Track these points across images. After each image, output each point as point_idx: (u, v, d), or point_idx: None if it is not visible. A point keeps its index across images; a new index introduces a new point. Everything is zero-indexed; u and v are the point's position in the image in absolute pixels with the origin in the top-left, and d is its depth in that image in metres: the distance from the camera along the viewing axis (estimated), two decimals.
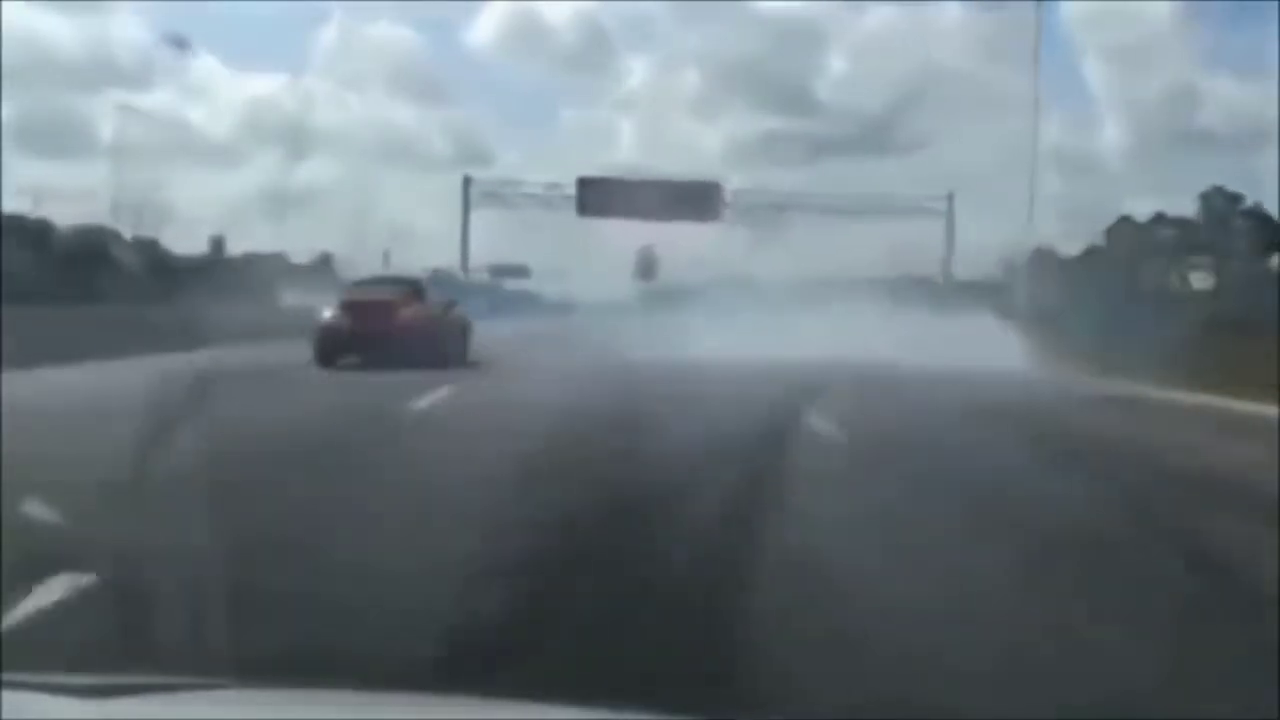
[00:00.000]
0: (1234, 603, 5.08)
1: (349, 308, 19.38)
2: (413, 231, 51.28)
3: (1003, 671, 3.98)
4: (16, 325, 16.54)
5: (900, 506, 7.16)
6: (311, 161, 66.55)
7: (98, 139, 59.41)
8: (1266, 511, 7.00)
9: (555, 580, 5.05)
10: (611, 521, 6.24)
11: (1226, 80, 72.50)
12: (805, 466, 8.33)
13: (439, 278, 40.78)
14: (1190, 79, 64.88)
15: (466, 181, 46.15)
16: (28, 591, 4.45)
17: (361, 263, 42.40)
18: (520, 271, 47.21)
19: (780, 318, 26.80)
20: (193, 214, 51.97)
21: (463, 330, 20.90)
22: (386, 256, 44.94)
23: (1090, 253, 45.67)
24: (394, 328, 18.70)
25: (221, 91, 58.21)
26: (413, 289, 20.61)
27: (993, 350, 21.95)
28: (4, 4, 44.97)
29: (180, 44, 61.37)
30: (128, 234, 41.95)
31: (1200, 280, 42.25)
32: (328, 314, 19.44)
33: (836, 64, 66.43)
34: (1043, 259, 40.43)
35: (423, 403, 12.87)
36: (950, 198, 45.04)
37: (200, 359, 17.77)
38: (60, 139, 53.91)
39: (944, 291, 39.24)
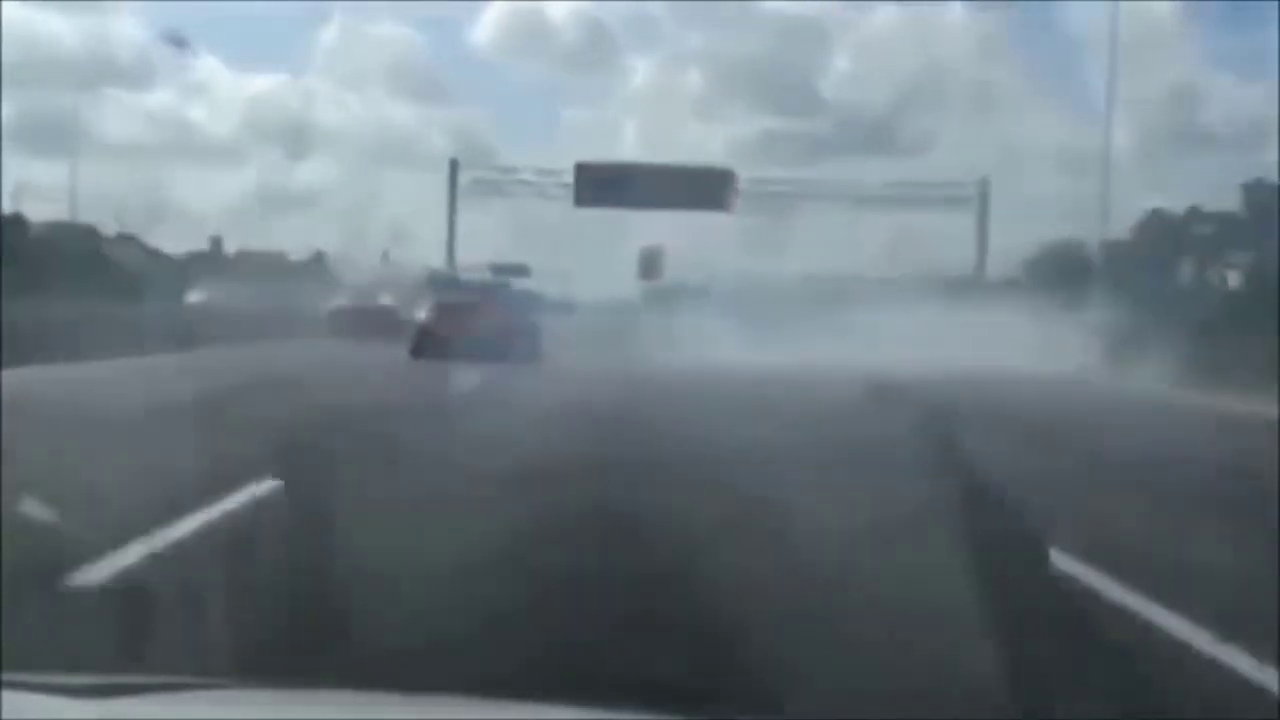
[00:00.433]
0: None
1: (442, 310, 24.26)
2: (413, 231, 51.33)
3: None
4: None
5: None
6: (312, 161, 66.83)
7: (96, 137, 59.69)
8: None
9: None
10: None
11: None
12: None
13: (437, 278, 40.82)
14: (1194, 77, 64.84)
15: (454, 167, 43.03)
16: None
17: (360, 261, 42.67)
18: (520, 270, 45.74)
19: (802, 322, 26.23)
20: (190, 212, 52.47)
21: (534, 331, 24.73)
22: (386, 255, 45.10)
23: (1112, 247, 44.03)
24: (480, 328, 22.70)
25: (222, 90, 58.67)
26: (496, 295, 26.92)
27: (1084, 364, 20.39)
28: (4, 3, 45.28)
29: (179, 43, 61.60)
30: (110, 231, 42.17)
31: (1235, 278, 41.41)
32: (423, 315, 24.24)
33: (840, 64, 66.37)
34: (1110, 251, 37.00)
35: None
36: (984, 183, 42.65)
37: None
38: (56, 137, 54.24)
39: (979, 290, 37.10)
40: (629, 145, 61.81)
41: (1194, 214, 44.13)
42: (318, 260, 45.48)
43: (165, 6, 71.11)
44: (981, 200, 42.65)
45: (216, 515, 6.59)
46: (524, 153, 44.14)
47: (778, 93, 60.30)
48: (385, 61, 64.66)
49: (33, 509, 6.03)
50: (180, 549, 5.78)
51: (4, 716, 1.74)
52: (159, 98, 63.93)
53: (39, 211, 40.77)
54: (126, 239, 42.70)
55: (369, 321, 29.86)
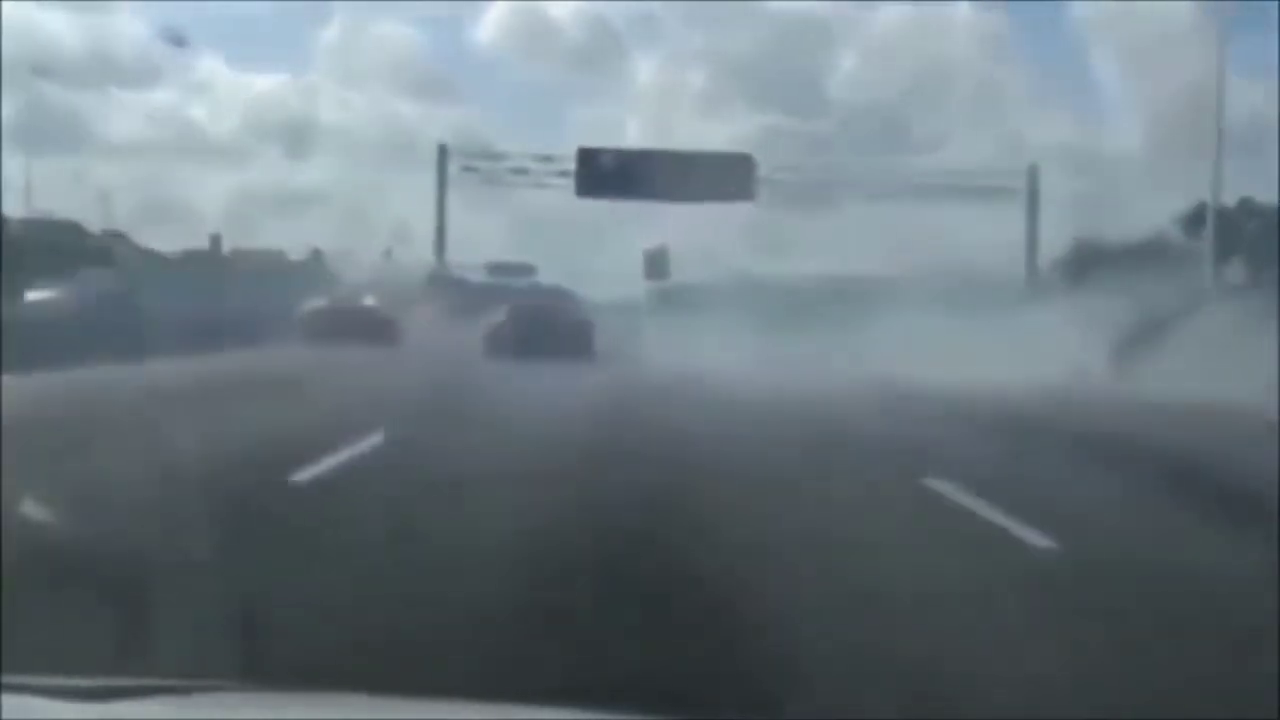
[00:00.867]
0: None
1: (516, 311, 28.01)
2: (416, 230, 51.43)
3: None
4: None
5: None
6: (314, 160, 67.14)
7: (94, 136, 60.09)
8: None
9: None
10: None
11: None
12: None
13: (437, 277, 40.88)
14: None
15: (442, 154, 41.30)
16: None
17: (360, 260, 42.74)
18: (525, 270, 43.91)
19: (823, 330, 25.16)
20: (191, 211, 52.65)
21: (590, 331, 28.27)
22: (389, 254, 45.22)
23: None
24: (548, 329, 26.79)
25: (224, 89, 59.14)
26: (561, 299, 31.28)
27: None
28: (5, 2, 45.58)
29: (178, 41, 62.36)
30: (96, 228, 42.33)
31: None
32: (496, 318, 27.80)
33: (845, 63, 66.52)
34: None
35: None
36: (1033, 173, 39.07)
37: None
38: (57, 136, 54.57)
39: (1033, 293, 33.81)
40: (632, 143, 62.04)
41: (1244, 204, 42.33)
42: (315, 259, 45.59)
43: (166, 5, 72.14)
44: (1031, 193, 39.46)
45: None
46: (526, 150, 43.85)
47: (781, 91, 60.71)
48: (387, 60, 64.96)
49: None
50: None
51: (4, 718, 1.80)
52: (160, 97, 64.55)
53: (13, 208, 40.84)
54: (115, 236, 42.83)
55: (347, 324, 28.45)
